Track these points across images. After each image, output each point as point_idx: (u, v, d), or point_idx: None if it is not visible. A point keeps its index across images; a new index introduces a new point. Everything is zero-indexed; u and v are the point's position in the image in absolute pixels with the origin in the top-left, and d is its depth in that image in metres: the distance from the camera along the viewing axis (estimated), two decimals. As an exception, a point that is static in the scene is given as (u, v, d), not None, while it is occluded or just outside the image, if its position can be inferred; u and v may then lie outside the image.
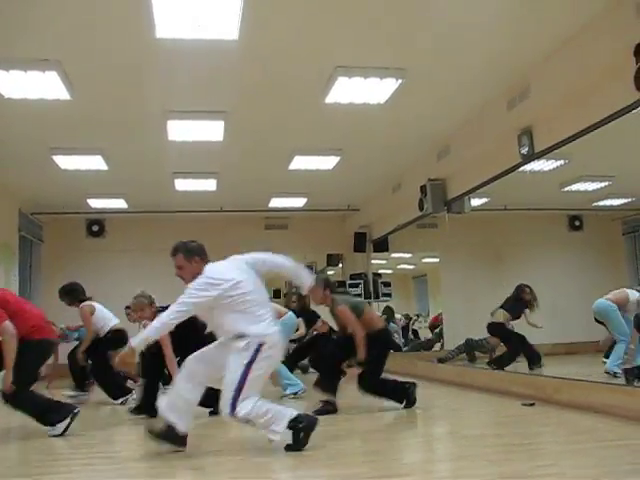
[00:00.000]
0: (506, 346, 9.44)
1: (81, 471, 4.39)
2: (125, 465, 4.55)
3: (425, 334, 14.28)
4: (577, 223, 12.34)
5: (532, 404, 6.47)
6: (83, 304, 8.05)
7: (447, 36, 6.08)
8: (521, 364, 9.14)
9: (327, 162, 10.06)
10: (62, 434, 5.45)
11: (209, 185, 11.23)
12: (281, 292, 20.04)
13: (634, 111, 5.57)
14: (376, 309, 12.80)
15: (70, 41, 5.92)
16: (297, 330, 8.98)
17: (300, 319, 9.02)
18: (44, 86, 6.64)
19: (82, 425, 5.74)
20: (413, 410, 6.58)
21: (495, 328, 9.47)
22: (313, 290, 6.00)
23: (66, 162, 9.49)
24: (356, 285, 13.33)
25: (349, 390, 6.82)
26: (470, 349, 10.34)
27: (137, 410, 6.76)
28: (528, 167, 7.63)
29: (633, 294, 7.99)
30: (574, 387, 6.40)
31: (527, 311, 9.37)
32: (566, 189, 10.21)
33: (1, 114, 7.53)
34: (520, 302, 9.37)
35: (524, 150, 7.23)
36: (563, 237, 12.32)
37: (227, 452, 4.79)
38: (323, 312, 8.32)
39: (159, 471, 4.31)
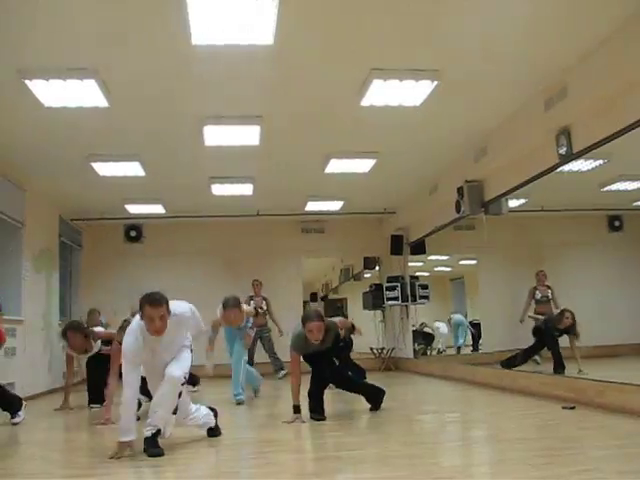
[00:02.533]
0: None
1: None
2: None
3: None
4: (617, 223, 12.12)
5: (573, 407, 6.39)
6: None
7: (482, 37, 6.04)
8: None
9: (363, 165, 10.05)
10: None
11: (246, 189, 11.27)
12: (317, 296, 20.18)
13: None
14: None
15: (107, 49, 5.99)
16: None
17: None
18: (82, 94, 6.73)
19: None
20: (451, 414, 6.52)
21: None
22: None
23: (104, 169, 9.59)
24: (393, 288, 13.32)
25: (387, 395, 6.81)
26: None
27: None
28: (566, 167, 7.53)
29: None
30: (617, 390, 6.27)
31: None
32: (606, 189, 10.05)
33: (41, 123, 7.66)
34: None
35: (562, 150, 7.14)
36: (603, 238, 12.11)
37: (264, 453, 4.79)
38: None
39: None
